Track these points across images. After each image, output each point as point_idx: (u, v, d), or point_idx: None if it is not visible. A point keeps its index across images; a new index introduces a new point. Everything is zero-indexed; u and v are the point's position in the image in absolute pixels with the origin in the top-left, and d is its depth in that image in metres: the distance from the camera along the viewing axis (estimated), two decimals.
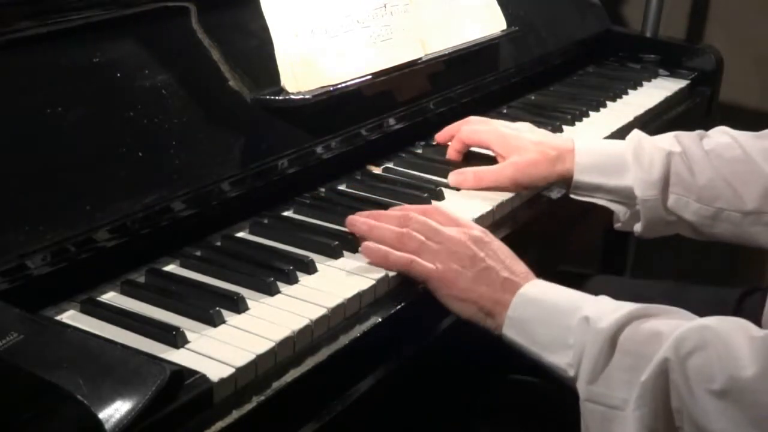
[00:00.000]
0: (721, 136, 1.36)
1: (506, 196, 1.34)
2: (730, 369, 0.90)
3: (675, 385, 0.93)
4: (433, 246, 1.11)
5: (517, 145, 1.38)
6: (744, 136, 1.34)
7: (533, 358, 1.05)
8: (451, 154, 1.45)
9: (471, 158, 1.45)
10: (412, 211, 1.17)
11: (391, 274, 1.10)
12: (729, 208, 1.31)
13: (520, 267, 1.11)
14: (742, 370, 0.89)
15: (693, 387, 0.91)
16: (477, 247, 1.10)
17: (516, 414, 1.28)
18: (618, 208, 1.37)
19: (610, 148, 1.39)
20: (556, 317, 1.03)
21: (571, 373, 1.00)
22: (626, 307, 1.00)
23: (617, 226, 1.39)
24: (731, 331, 0.93)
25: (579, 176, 1.35)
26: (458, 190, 1.35)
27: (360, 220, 1.17)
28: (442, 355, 1.22)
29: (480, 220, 1.27)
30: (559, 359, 1.01)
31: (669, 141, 1.35)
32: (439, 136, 1.48)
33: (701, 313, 1.00)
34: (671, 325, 0.96)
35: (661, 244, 1.47)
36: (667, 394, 0.93)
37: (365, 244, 1.13)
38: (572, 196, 1.38)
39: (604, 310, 1.01)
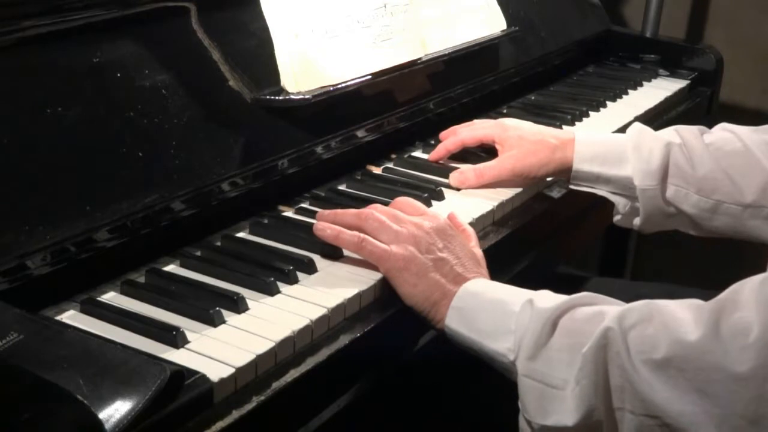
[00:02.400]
0: (721, 131, 1.37)
1: (506, 195, 1.34)
2: (674, 335, 0.89)
3: (616, 356, 0.91)
4: (393, 227, 1.10)
5: (518, 136, 1.39)
6: (744, 130, 1.35)
7: (474, 348, 1.03)
8: (440, 151, 1.44)
9: (467, 156, 1.45)
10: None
11: None
12: (728, 200, 1.31)
13: (476, 267, 1.10)
14: (686, 335, 0.88)
15: (634, 358, 0.90)
16: (438, 237, 1.10)
17: (515, 419, 1.27)
18: (617, 200, 1.37)
19: (611, 139, 1.40)
20: (499, 305, 1.02)
21: (511, 357, 0.99)
22: (570, 296, 1.00)
23: (617, 219, 1.39)
24: (677, 304, 0.93)
25: (578, 165, 1.35)
26: (458, 189, 1.36)
27: (328, 211, 1.17)
28: (441, 356, 1.22)
29: (480, 220, 1.27)
30: (500, 345, 1.00)
31: (669, 133, 1.36)
32: (442, 135, 1.48)
33: None
34: (615, 307, 0.96)
35: (660, 246, 1.47)
36: (607, 368, 0.91)
37: (316, 223, 1.12)
38: (572, 186, 1.38)
39: (547, 296, 1.01)
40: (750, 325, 0.86)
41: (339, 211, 1.16)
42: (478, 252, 1.14)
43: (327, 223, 1.12)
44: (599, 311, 0.96)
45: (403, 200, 1.19)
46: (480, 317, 1.03)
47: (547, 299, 1.00)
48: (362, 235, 1.10)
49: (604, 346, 0.92)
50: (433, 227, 1.11)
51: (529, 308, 0.99)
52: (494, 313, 1.02)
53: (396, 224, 1.10)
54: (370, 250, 1.09)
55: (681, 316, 0.91)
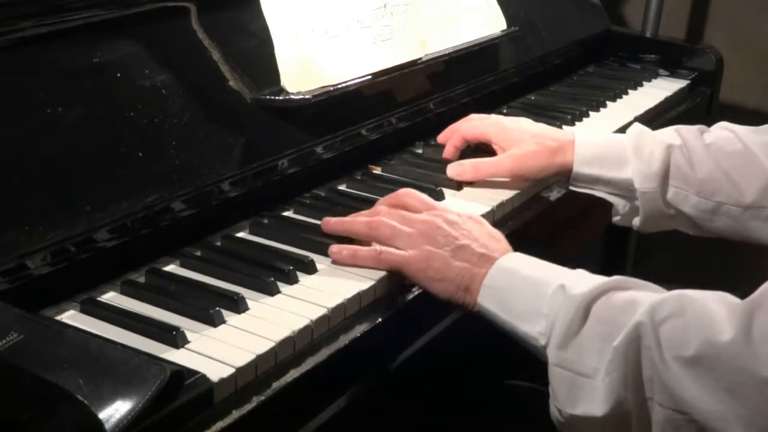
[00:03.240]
0: (721, 130, 1.37)
1: (506, 196, 1.34)
2: (706, 333, 0.88)
3: (647, 351, 0.91)
4: (405, 230, 1.10)
5: (517, 137, 1.38)
6: (744, 130, 1.34)
7: (507, 329, 1.03)
8: (449, 150, 1.44)
9: (470, 154, 1.45)
10: (384, 201, 1.17)
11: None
12: (728, 202, 1.31)
13: (497, 245, 1.10)
14: (719, 335, 0.88)
15: (665, 353, 0.89)
16: (451, 228, 1.10)
17: (512, 419, 1.27)
18: (617, 201, 1.37)
19: (610, 141, 1.39)
20: (532, 286, 1.02)
21: (542, 341, 0.99)
22: (604, 279, 1.00)
23: (616, 219, 1.39)
24: (710, 298, 0.92)
25: (578, 168, 1.35)
26: (458, 189, 1.35)
27: (333, 220, 1.17)
28: (440, 359, 1.22)
29: None
30: (532, 328, 1.00)
31: (670, 134, 1.36)
32: (441, 137, 1.48)
33: None
34: (648, 295, 0.96)
35: (661, 246, 1.47)
36: (638, 362, 0.91)
37: (331, 247, 1.12)
38: (572, 188, 1.38)
39: (581, 279, 1.01)
40: None
41: (346, 219, 1.16)
42: (495, 230, 1.14)
43: (341, 245, 1.12)
44: (632, 300, 0.96)
45: (408, 193, 1.18)
46: (511, 297, 1.03)
47: (580, 283, 0.99)
48: (378, 247, 1.10)
49: (636, 338, 0.92)
50: (445, 220, 1.11)
51: (561, 293, 0.99)
52: (526, 293, 1.02)
53: (407, 226, 1.10)
54: (390, 260, 1.09)
55: (714, 312, 0.90)
